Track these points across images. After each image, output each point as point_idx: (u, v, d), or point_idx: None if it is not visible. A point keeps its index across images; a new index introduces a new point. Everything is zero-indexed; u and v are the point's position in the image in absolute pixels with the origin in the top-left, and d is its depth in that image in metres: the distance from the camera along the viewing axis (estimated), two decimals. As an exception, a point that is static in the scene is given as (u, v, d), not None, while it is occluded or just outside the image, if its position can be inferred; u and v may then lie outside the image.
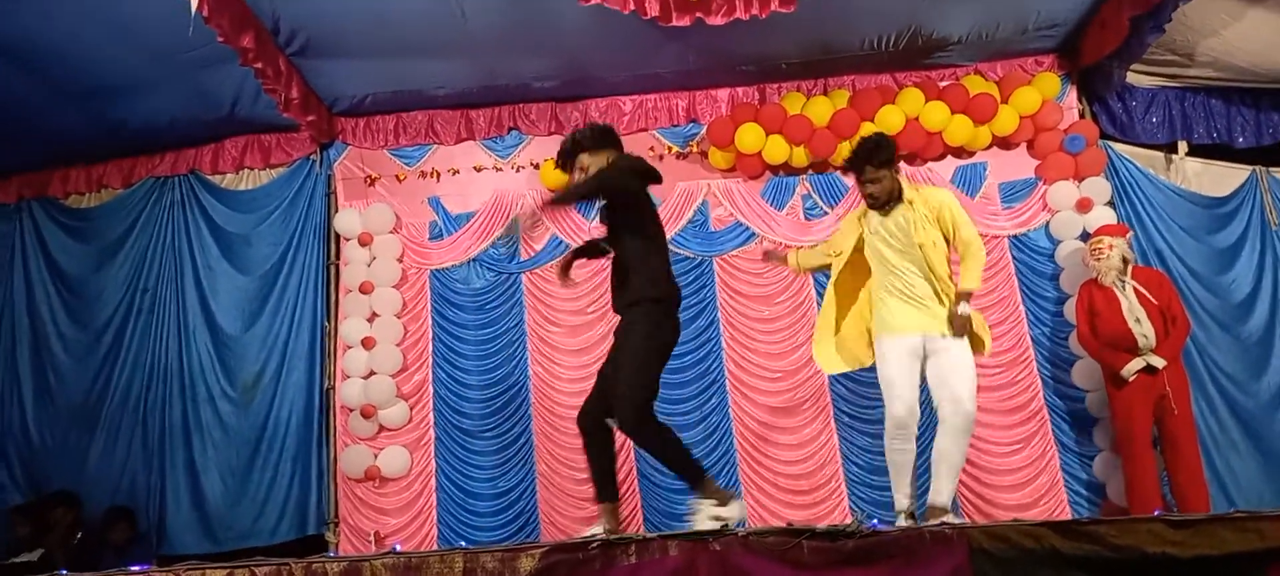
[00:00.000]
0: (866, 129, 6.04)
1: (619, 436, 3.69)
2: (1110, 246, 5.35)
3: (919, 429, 4.09)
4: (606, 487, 3.73)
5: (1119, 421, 5.26)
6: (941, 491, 3.95)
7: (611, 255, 3.91)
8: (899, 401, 4.02)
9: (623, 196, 3.71)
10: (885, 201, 4.14)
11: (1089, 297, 5.38)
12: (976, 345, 4.11)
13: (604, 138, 3.89)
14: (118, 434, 6.15)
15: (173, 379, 6.20)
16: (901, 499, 4.10)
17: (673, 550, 2.86)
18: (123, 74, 5.59)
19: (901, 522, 4.02)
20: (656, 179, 3.81)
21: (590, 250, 4.19)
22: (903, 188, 4.17)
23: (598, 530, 3.51)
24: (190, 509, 5.99)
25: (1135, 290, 5.26)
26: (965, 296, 4.04)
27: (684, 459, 3.61)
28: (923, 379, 4.09)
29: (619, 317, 3.81)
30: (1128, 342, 5.16)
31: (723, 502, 3.48)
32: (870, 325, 4.26)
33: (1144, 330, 5.14)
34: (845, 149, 6.09)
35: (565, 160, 3.89)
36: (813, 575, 2.83)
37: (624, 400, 3.55)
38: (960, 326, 3.99)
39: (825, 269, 4.54)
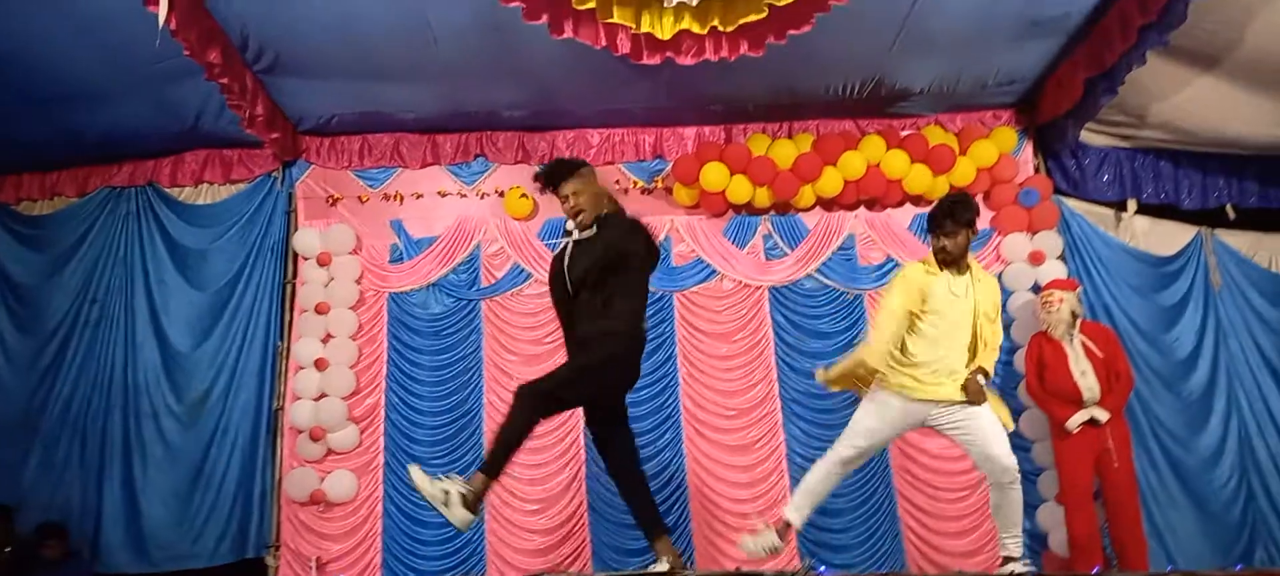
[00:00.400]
0: (829, 172, 6.16)
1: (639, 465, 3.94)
2: (1061, 300, 5.47)
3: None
4: (496, 466, 3.69)
5: (1063, 472, 5.36)
6: (1010, 545, 4.06)
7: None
8: (855, 447, 4.13)
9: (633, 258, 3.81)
10: (955, 260, 4.15)
11: (1038, 349, 5.49)
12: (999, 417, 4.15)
13: (583, 168, 4.00)
14: (56, 446, 5.98)
15: (116, 393, 6.05)
16: (795, 511, 4.23)
17: (622, 587, 2.84)
18: (84, 82, 5.49)
19: (767, 537, 4.16)
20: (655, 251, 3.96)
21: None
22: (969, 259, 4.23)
23: (660, 567, 3.63)
24: (127, 527, 5.83)
25: (1083, 344, 5.38)
26: (985, 374, 4.13)
27: (504, 451, 3.65)
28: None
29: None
30: (1073, 395, 5.26)
31: (469, 504, 3.57)
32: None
33: (1089, 383, 5.26)
34: (808, 192, 6.22)
35: (548, 181, 3.96)
36: (761, 617, 2.82)
37: (542, 379, 3.69)
38: (975, 392, 4.04)
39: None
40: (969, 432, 4.05)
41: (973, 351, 4.14)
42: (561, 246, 4.01)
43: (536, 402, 3.63)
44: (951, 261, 4.15)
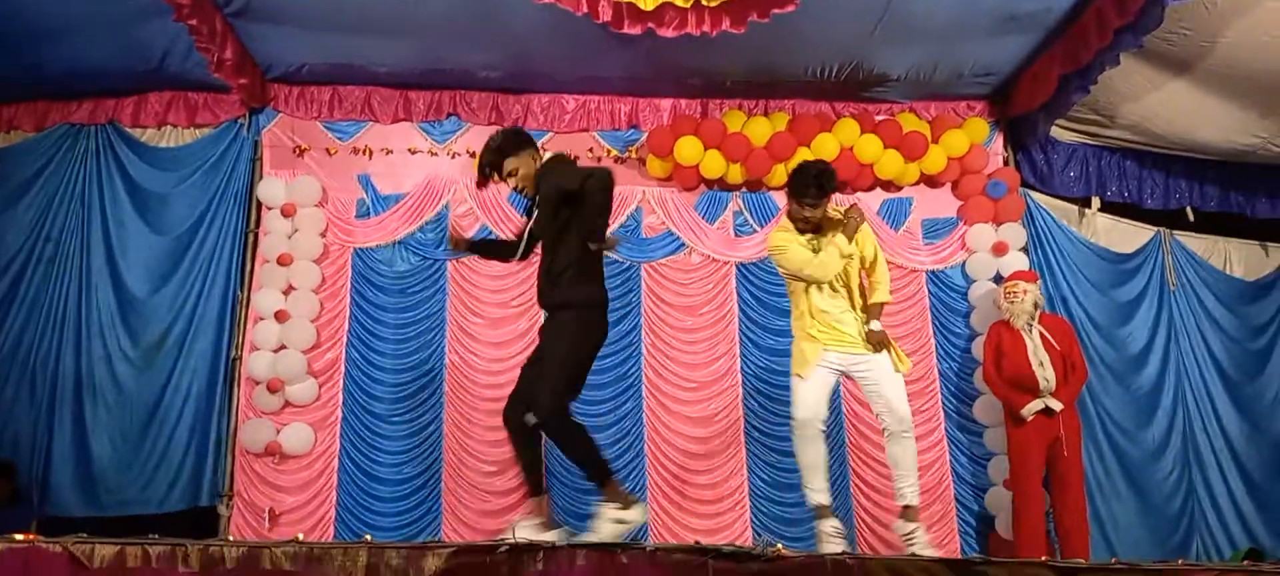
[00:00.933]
0: (803, 153, 6.16)
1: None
2: (1025, 291, 5.57)
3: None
4: (536, 482, 3.77)
5: (1014, 458, 5.48)
6: (905, 493, 4.16)
7: (526, 254, 3.96)
8: (803, 408, 4.19)
9: (568, 196, 3.68)
10: (817, 225, 4.25)
11: (997, 338, 5.59)
12: (897, 364, 4.26)
13: (520, 138, 3.96)
14: (4, 385, 5.84)
15: (69, 333, 5.92)
16: (815, 494, 4.22)
17: (580, 560, 2.86)
18: (48, 16, 5.32)
19: (828, 523, 4.15)
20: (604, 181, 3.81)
21: (499, 250, 4.28)
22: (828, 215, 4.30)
23: (526, 523, 3.57)
24: (76, 469, 5.73)
25: (1041, 335, 5.49)
26: (877, 311, 4.25)
27: (594, 458, 3.67)
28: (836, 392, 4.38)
29: (545, 314, 3.83)
30: (1029, 383, 5.38)
31: (626, 506, 3.57)
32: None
33: (1046, 373, 5.37)
34: (781, 171, 6.22)
35: (490, 168, 3.90)
36: (716, 594, 2.86)
37: (546, 398, 3.60)
38: (877, 342, 4.17)
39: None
40: (872, 381, 4.20)
41: (852, 295, 4.24)
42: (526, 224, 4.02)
43: (564, 419, 3.65)
44: (812, 230, 4.25)
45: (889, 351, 4.21)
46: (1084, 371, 5.59)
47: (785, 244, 4.26)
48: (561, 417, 3.62)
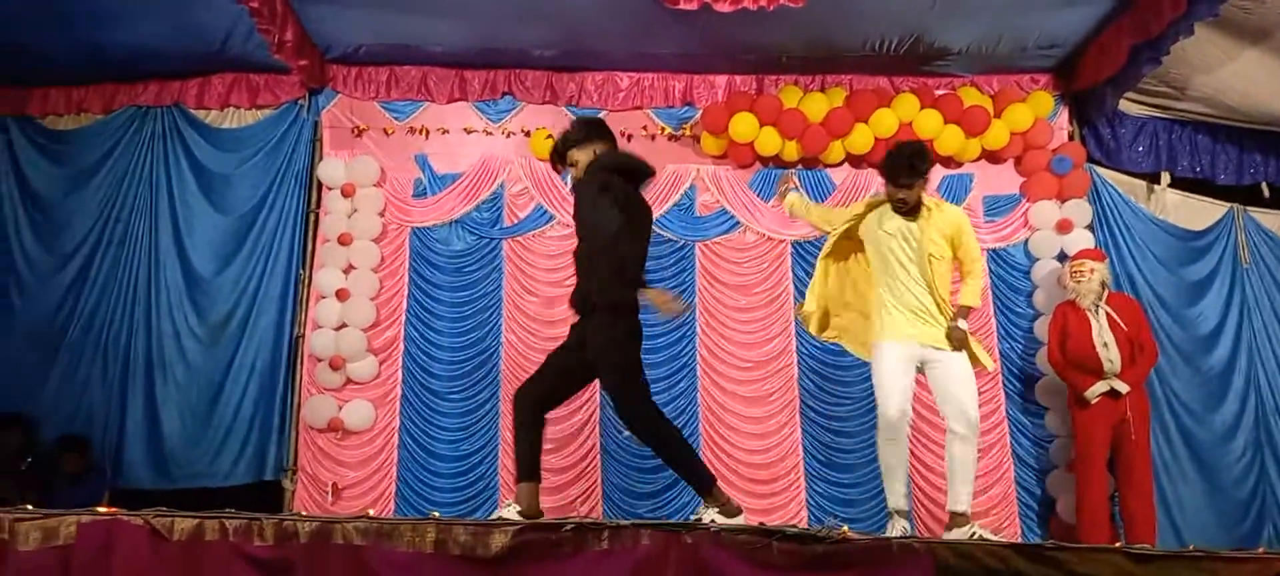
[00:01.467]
0: (860, 129, 6.08)
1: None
2: (1092, 271, 5.44)
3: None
4: (532, 468, 3.67)
5: (1078, 441, 5.38)
6: (959, 498, 4.06)
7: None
8: (892, 404, 4.09)
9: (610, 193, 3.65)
10: (912, 208, 4.18)
11: (1063, 318, 5.47)
12: (975, 360, 4.18)
13: (591, 131, 3.89)
14: (78, 362, 6.03)
15: (139, 312, 6.09)
16: (894, 498, 4.18)
17: (645, 539, 2.87)
18: (112, -1, 5.44)
19: (898, 524, 4.12)
20: (645, 173, 3.83)
21: None
22: (923, 199, 4.22)
23: (512, 508, 3.50)
24: (146, 443, 5.91)
25: (1108, 315, 5.35)
26: (964, 312, 4.17)
27: (694, 464, 3.68)
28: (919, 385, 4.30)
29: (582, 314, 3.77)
30: (1093, 365, 5.26)
31: (729, 513, 3.55)
32: (867, 317, 4.36)
33: (1110, 354, 5.25)
34: (837, 148, 6.14)
35: (556, 157, 3.90)
36: (779, 575, 2.85)
37: (632, 409, 3.61)
38: (958, 340, 4.09)
39: (815, 230, 4.68)
40: (941, 379, 4.12)
41: (934, 292, 4.15)
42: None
43: (659, 419, 3.66)
44: (908, 210, 4.18)
45: (968, 349, 4.13)
46: (1153, 352, 5.44)
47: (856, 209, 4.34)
48: (657, 419, 3.62)
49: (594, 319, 3.68)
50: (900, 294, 4.16)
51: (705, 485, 3.63)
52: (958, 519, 4.03)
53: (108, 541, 2.87)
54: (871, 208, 4.38)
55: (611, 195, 3.58)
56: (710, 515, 3.53)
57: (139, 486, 5.77)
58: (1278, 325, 6.33)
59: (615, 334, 3.64)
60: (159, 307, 6.09)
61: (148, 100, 6.39)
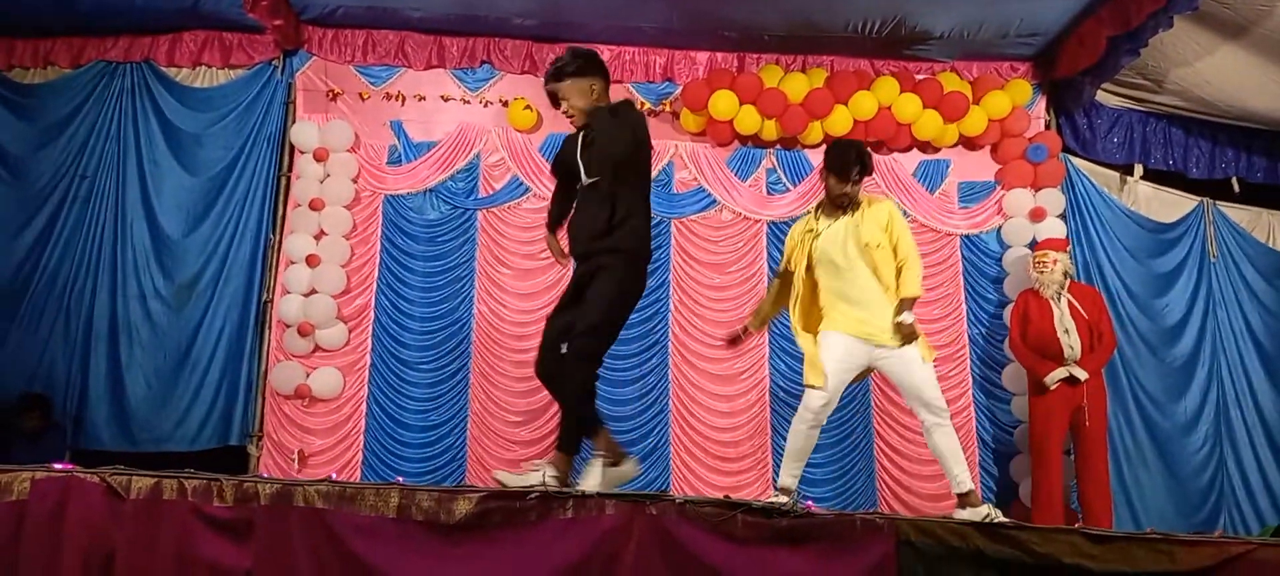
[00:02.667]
0: (840, 111, 6.08)
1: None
2: (1054, 261, 5.48)
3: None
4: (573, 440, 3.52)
5: (1036, 426, 5.42)
6: (960, 480, 4.01)
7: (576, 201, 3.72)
8: (819, 393, 4.05)
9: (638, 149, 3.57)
10: (848, 204, 4.14)
11: (1025, 305, 5.52)
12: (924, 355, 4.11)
13: (589, 64, 3.63)
14: (40, 320, 5.92)
15: (104, 272, 5.98)
16: (788, 477, 4.19)
17: (609, 510, 2.87)
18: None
19: (780, 499, 3.89)
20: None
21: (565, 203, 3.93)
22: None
23: (542, 473, 3.34)
24: (110, 405, 5.83)
25: (1069, 303, 5.41)
26: (908, 304, 4.06)
27: (591, 409, 3.51)
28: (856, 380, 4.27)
29: (582, 261, 3.62)
30: (1054, 351, 5.31)
31: (617, 461, 3.45)
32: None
33: (1071, 342, 5.30)
34: (817, 128, 6.14)
35: (549, 94, 3.67)
36: (743, 549, 2.86)
37: (587, 337, 3.41)
38: (906, 333, 4.01)
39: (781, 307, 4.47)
40: (901, 378, 4.09)
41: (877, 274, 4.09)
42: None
43: (594, 362, 3.49)
44: (844, 208, 4.14)
45: (917, 345, 4.06)
46: (1112, 341, 5.51)
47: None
48: (592, 361, 3.46)
49: (604, 259, 3.53)
50: (844, 288, 4.10)
51: (570, 446, 3.49)
52: (967, 499, 3.97)
53: (62, 498, 2.83)
54: (793, 240, 4.34)
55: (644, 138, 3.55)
56: (545, 474, 3.32)
57: (101, 447, 5.69)
58: (1242, 319, 6.42)
59: (628, 277, 3.53)
60: (125, 268, 5.99)
61: (117, 56, 6.24)
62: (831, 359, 4.08)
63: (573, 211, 3.72)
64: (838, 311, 4.13)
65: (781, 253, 6.08)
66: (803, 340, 4.23)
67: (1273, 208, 6.64)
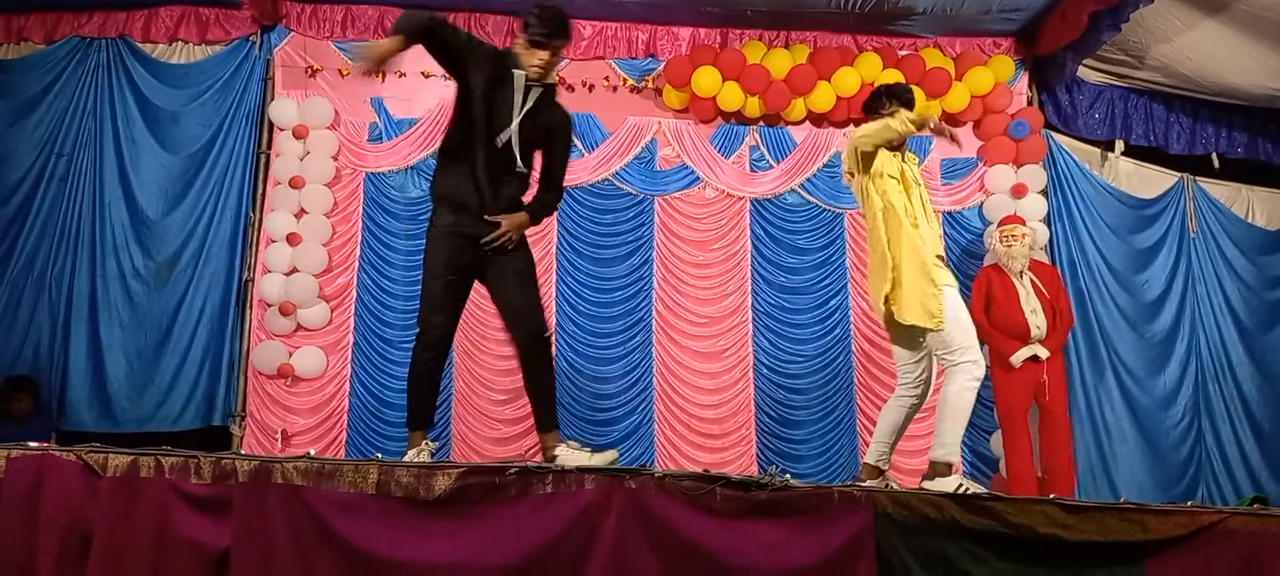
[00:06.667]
0: (823, 88, 6.07)
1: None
2: (1022, 235, 5.47)
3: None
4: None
5: (1000, 404, 5.46)
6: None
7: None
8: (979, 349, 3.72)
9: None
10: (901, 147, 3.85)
11: (988, 282, 5.49)
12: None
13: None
14: (19, 301, 5.87)
15: (83, 251, 5.92)
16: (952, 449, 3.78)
17: (588, 484, 2.87)
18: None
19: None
20: None
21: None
22: None
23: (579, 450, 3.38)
24: (92, 386, 5.80)
25: (1031, 281, 5.43)
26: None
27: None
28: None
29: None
30: (1021, 331, 5.32)
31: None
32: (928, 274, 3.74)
33: (1038, 321, 5.33)
34: (800, 105, 6.13)
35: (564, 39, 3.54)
36: (722, 521, 2.87)
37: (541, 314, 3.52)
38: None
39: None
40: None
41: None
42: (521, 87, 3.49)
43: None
44: (898, 148, 3.85)
45: None
46: (1071, 318, 5.57)
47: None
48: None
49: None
50: (929, 238, 3.75)
51: (419, 423, 3.56)
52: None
53: (38, 476, 2.81)
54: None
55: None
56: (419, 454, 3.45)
57: (83, 429, 5.66)
58: (1221, 294, 6.49)
59: (525, 245, 3.61)
60: (104, 247, 5.93)
61: (92, 31, 6.15)
62: (967, 318, 3.76)
63: (480, 158, 3.48)
64: (937, 264, 3.72)
65: (766, 229, 6.18)
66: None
67: (1252, 183, 6.69)
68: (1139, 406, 6.21)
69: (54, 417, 5.71)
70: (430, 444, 3.59)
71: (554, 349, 3.71)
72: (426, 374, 3.53)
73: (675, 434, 6.00)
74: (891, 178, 3.78)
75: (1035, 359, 5.29)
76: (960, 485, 3.42)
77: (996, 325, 5.40)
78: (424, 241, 3.60)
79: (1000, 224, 5.68)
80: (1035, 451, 5.40)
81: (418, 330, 3.51)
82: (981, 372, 3.73)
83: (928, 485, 3.57)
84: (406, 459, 3.35)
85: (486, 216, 3.46)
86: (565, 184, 3.77)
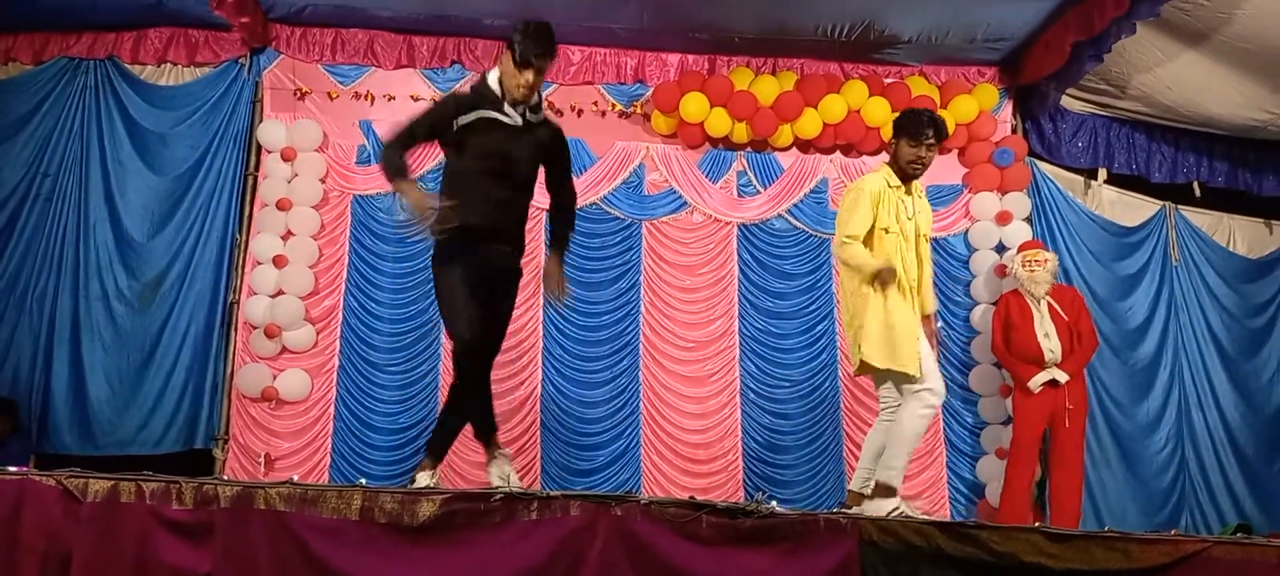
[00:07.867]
0: (810, 114, 6.12)
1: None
2: (1045, 260, 5.54)
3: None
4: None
5: (1016, 427, 5.50)
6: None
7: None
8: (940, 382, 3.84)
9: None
10: (911, 178, 3.93)
11: (1007, 309, 5.57)
12: None
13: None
14: (1, 321, 5.82)
15: (67, 271, 5.88)
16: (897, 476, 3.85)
17: (574, 510, 2.87)
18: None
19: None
20: None
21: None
22: None
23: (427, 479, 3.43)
24: (73, 408, 5.74)
25: (1050, 306, 5.47)
26: (930, 318, 4.01)
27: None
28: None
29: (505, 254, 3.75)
30: (1035, 356, 5.37)
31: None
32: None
33: (1052, 345, 5.37)
34: (787, 131, 6.18)
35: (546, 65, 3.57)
36: (708, 549, 2.87)
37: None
38: (932, 337, 3.94)
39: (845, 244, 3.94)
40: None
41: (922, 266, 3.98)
42: (510, 123, 3.58)
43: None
44: (917, 176, 3.94)
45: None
46: (1093, 341, 5.59)
47: (868, 194, 3.84)
48: None
49: (513, 257, 3.77)
50: (908, 268, 3.84)
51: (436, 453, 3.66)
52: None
53: (18, 501, 2.78)
54: (872, 194, 3.89)
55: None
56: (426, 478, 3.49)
57: (64, 451, 5.60)
58: (1203, 321, 6.54)
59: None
60: (88, 268, 5.90)
61: (80, 52, 6.15)
62: (925, 350, 3.82)
63: (488, 186, 3.59)
64: (909, 300, 3.84)
65: (754, 255, 6.19)
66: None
67: (1233, 212, 6.77)
68: (1122, 433, 6.24)
69: (34, 440, 5.65)
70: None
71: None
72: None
73: (661, 459, 5.98)
74: (884, 231, 3.88)
75: (1053, 383, 5.31)
76: (896, 508, 3.57)
77: (1014, 351, 5.44)
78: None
79: (1022, 249, 5.74)
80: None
81: (457, 350, 3.60)
82: (936, 402, 3.83)
83: (866, 506, 3.70)
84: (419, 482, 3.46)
85: (550, 296, 3.85)
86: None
